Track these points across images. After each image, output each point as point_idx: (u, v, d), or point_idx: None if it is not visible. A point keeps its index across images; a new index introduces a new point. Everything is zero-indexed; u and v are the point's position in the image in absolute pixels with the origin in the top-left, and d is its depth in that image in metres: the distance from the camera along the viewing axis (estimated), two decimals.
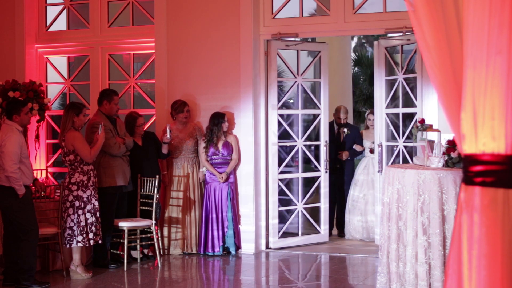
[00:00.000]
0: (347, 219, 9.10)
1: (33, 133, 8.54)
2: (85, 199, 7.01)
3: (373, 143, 8.82)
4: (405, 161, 7.99)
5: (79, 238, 6.97)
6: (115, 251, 7.73)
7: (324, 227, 8.73)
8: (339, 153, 9.18)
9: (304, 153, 8.72)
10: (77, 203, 6.99)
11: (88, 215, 7.01)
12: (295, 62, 8.63)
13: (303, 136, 8.70)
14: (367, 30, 8.53)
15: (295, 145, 8.64)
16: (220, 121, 8.06)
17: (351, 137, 9.29)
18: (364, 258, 7.91)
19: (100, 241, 7.14)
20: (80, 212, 6.99)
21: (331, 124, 9.34)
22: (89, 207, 7.01)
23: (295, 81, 8.64)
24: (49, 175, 9.03)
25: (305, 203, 8.68)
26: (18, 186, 6.40)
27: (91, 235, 7.02)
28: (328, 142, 8.79)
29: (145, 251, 8.06)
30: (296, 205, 8.63)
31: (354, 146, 9.23)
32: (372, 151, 8.95)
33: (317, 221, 8.74)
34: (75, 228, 6.97)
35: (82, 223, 6.98)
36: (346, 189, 9.19)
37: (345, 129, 9.32)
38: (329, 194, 9.11)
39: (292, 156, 8.70)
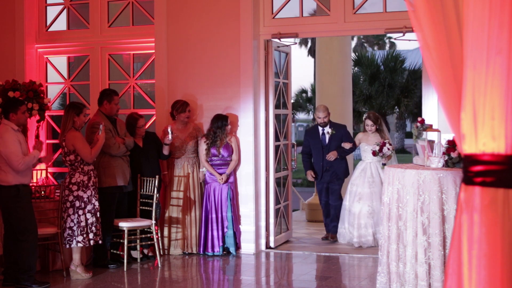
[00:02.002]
0: (339, 225, 8.77)
1: (33, 133, 8.53)
2: (85, 199, 7.00)
3: (377, 144, 8.55)
4: None
5: (79, 238, 6.97)
6: (115, 251, 7.73)
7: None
8: (326, 155, 8.76)
9: (282, 152, 8.95)
10: (77, 203, 6.99)
11: (88, 215, 7.01)
12: (279, 63, 8.80)
13: (282, 136, 8.93)
14: (367, 30, 8.54)
15: (279, 145, 8.81)
16: (224, 124, 8.05)
17: (337, 136, 8.82)
18: (363, 258, 7.91)
19: (100, 241, 7.13)
20: (80, 212, 6.98)
21: (315, 127, 9.06)
22: (89, 207, 7.01)
23: (279, 82, 8.75)
24: (49, 175, 9.02)
25: (283, 201, 8.94)
26: (34, 163, 6.57)
27: (91, 235, 7.02)
28: (295, 142, 9.16)
29: (145, 251, 8.06)
30: (279, 204, 8.78)
31: (342, 144, 8.76)
32: (374, 153, 8.55)
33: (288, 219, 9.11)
34: (75, 228, 6.97)
35: (82, 223, 6.98)
36: (337, 192, 8.84)
37: (329, 130, 8.84)
38: (320, 198, 9.05)
39: (278, 156, 8.80)
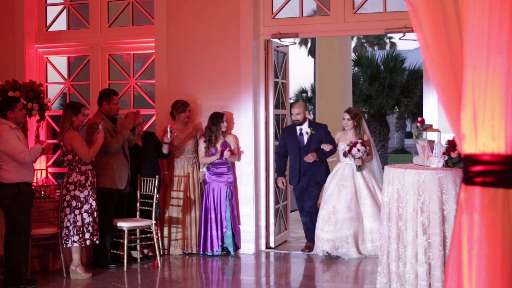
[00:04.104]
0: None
1: (33, 133, 8.53)
2: (82, 199, 6.99)
3: (348, 145, 7.87)
4: None
5: (75, 238, 6.95)
6: (115, 251, 7.73)
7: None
8: (304, 157, 8.03)
9: None
10: (74, 203, 6.97)
11: (85, 215, 6.98)
12: (277, 64, 8.81)
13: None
14: (367, 30, 8.54)
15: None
16: (218, 121, 8.06)
17: (316, 137, 8.05)
18: (363, 258, 7.90)
19: (97, 242, 7.10)
20: (76, 212, 6.97)
21: (292, 126, 8.34)
22: (86, 207, 6.99)
23: (277, 82, 8.76)
24: (49, 175, 9.02)
25: (282, 201, 8.95)
26: (40, 152, 6.51)
27: (87, 235, 7.00)
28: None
29: (145, 251, 8.06)
30: (278, 204, 8.80)
31: (322, 146, 7.99)
32: (345, 154, 7.84)
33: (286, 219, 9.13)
34: (71, 228, 6.96)
35: (79, 223, 6.96)
36: (314, 196, 8.13)
37: (308, 130, 8.09)
38: (299, 202, 8.39)
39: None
